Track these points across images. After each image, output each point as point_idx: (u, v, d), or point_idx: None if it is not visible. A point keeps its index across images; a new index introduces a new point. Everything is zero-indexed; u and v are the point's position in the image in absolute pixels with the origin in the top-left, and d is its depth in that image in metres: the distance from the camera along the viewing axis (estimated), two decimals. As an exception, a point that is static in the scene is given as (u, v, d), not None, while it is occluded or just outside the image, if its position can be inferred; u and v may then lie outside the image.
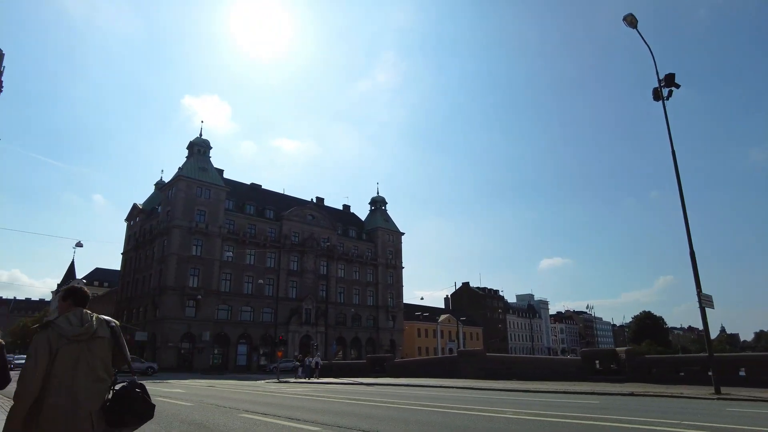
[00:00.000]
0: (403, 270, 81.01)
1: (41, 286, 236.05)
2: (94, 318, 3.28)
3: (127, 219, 71.57)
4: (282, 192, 73.92)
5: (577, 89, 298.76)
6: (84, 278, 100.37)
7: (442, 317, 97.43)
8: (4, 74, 58.15)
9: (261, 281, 60.01)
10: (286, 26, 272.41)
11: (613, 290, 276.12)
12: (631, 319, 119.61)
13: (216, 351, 56.87)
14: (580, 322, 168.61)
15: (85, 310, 3.30)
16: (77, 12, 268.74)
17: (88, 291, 3.49)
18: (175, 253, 54.44)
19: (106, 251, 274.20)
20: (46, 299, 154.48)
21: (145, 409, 3.21)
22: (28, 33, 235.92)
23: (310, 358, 34.67)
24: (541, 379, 23.50)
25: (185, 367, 52.88)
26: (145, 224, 65.32)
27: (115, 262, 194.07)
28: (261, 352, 60.36)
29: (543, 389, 17.95)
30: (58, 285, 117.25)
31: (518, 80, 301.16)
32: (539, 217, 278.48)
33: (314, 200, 75.09)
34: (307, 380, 30.22)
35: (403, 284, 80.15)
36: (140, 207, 68.49)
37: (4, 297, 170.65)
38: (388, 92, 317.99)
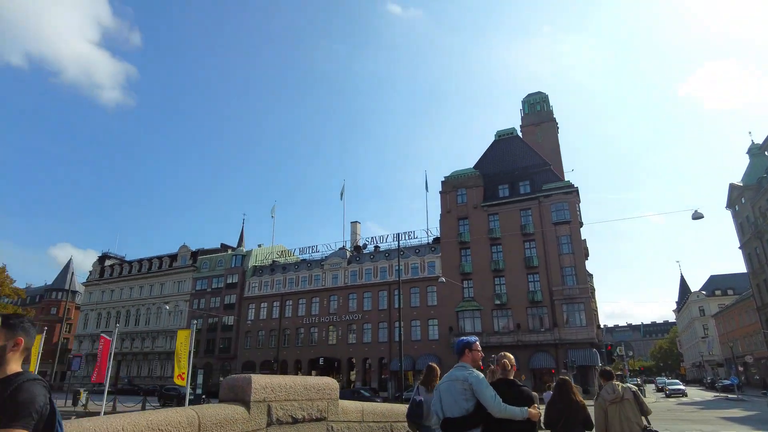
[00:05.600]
0: None
1: (647, 311, 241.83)
2: (620, 387, 5.89)
3: (728, 205, 57.77)
4: None
5: None
6: (702, 290, 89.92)
7: None
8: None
9: None
10: None
11: None
12: None
13: None
14: None
15: (614, 382, 5.99)
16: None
17: (610, 369, 6.43)
18: (830, 220, 36.74)
19: (717, 257, 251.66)
20: (669, 320, 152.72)
21: None
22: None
23: None
24: None
25: None
26: (757, 202, 49.89)
27: (728, 267, 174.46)
28: None
29: None
30: (677, 303, 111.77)
31: None
32: None
33: None
34: None
35: None
36: (740, 185, 53.85)
37: (634, 323, 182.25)
38: None
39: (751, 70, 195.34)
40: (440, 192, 51.95)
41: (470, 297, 45.95)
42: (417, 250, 51.32)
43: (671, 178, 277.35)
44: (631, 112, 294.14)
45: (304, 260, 58.60)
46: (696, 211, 20.42)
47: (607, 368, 6.47)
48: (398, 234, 26.79)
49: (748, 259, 55.25)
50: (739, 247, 56.78)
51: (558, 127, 60.09)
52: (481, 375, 3.94)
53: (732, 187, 55.88)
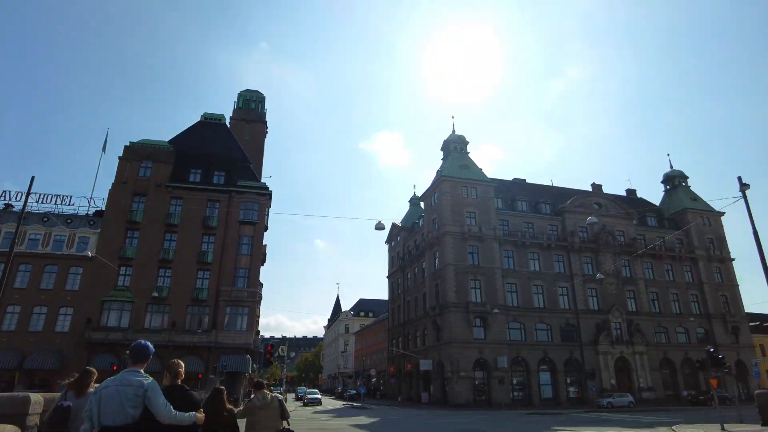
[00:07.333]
0: (734, 263, 58.82)
1: (301, 326, 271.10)
2: (269, 396, 7.22)
3: (387, 240, 67.78)
4: (550, 184, 61.00)
5: None
6: (351, 310, 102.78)
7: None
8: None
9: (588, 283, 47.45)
10: (468, 49, 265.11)
11: None
12: None
13: (515, 381, 45.91)
14: None
15: (264, 391, 7.24)
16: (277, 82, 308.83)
17: (262, 381, 7.71)
18: (452, 263, 46.18)
19: (369, 284, 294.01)
20: (318, 335, 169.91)
21: None
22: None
23: None
24: None
25: (481, 402, 43.30)
26: (407, 242, 59.98)
27: (376, 293, 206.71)
28: (568, 381, 47.39)
29: None
30: (329, 320, 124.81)
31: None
32: None
33: (592, 187, 59.90)
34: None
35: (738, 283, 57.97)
36: (400, 225, 63.76)
37: (288, 336, 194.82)
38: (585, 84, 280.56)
39: (407, 141, 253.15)
40: (120, 157, 43.42)
41: (125, 286, 38.92)
42: (69, 221, 41.01)
43: (349, 212, 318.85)
44: (327, 152, 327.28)
45: None
46: (379, 221, 21.66)
47: (261, 380, 8.30)
48: (30, 188, 19.22)
49: (391, 287, 65.47)
50: (387, 277, 66.79)
51: (267, 132, 59.53)
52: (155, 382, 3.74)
53: (393, 226, 65.74)
